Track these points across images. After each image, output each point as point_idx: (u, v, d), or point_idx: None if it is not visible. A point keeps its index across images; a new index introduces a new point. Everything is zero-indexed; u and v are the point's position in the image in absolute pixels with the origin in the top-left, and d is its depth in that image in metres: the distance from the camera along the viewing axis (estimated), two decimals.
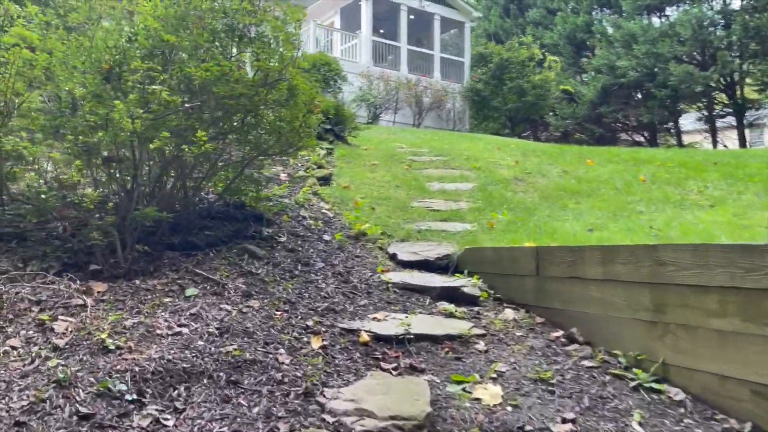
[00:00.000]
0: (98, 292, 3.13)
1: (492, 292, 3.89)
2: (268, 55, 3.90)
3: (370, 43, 18.23)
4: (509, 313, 3.58)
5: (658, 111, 21.42)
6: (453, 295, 3.77)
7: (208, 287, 3.33)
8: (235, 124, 3.90)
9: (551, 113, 23.09)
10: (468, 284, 3.85)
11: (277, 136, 4.05)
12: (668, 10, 22.68)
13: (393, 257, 4.44)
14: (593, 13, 23.95)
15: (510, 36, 24.37)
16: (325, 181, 6.06)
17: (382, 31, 20.38)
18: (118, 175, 3.81)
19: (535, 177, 7.10)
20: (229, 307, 3.10)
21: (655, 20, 22.69)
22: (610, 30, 22.61)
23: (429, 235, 4.81)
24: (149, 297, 3.12)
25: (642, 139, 24.79)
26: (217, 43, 3.99)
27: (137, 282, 3.29)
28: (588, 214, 5.30)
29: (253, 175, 4.59)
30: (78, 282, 3.20)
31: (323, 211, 5.22)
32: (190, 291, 3.23)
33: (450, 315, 3.49)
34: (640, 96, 22.89)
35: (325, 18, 20.09)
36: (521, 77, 19.64)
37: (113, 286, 3.21)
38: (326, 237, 4.55)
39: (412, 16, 19.77)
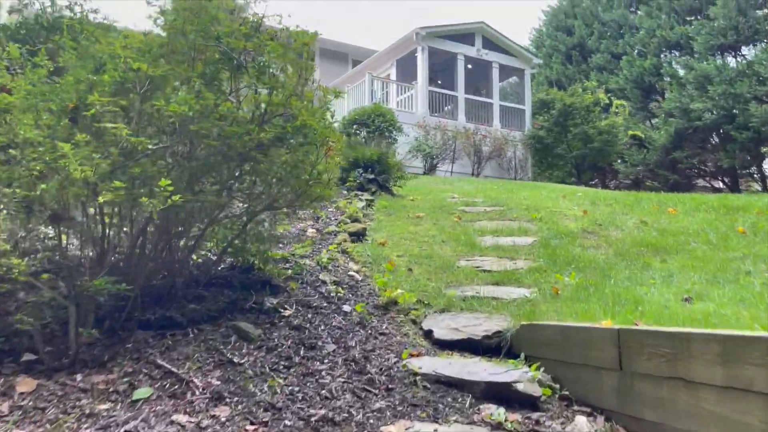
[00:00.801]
0: (20, 393, 2.33)
1: (557, 386, 2.84)
2: (269, 86, 3.14)
3: (426, 93, 17.64)
4: (582, 424, 2.52)
5: (739, 155, 19.62)
6: (503, 393, 2.75)
7: (168, 386, 2.46)
8: (225, 171, 3.12)
9: (620, 160, 21.62)
10: (524, 377, 2.82)
11: (279, 186, 3.24)
12: (744, 50, 21.10)
13: (428, 334, 3.47)
14: (661, 55, 22.59)
15: (573, 82, 23.26)
16: (358, 236, 5.20)
17: (439, 81, 19.82)
18: (81, 237, 3.09)
19: (608, 229, 5.98)
20: (184, 419, 2.22)
21: (730, 60, 21.12)
22: (681, 72, 21.16)
23: (476, 305, 3.81)
24: (82, 402, 2.28)
25: (722, 185, 22.81)
26: (209, 74, 3.28)
27: (78, 378, 2.48)
28: (680, 277, 4.16)
29: (260, 233, 3.79)
30: (3, 378, 2.42)
31: (350, 273, 4.33)
32: (141, 392, 2.37)
33: (498, 426, 2.47)
34: (717, 140, 21.14)
35: (382, 70, 19.75)
36: (586, 123, 18.46)
37: (44, 385, 2.40)
38: (346, 308, 3.64)
39: (469, 66, 19.14)
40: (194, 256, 4.01)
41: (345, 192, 7.26)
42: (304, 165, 3.25)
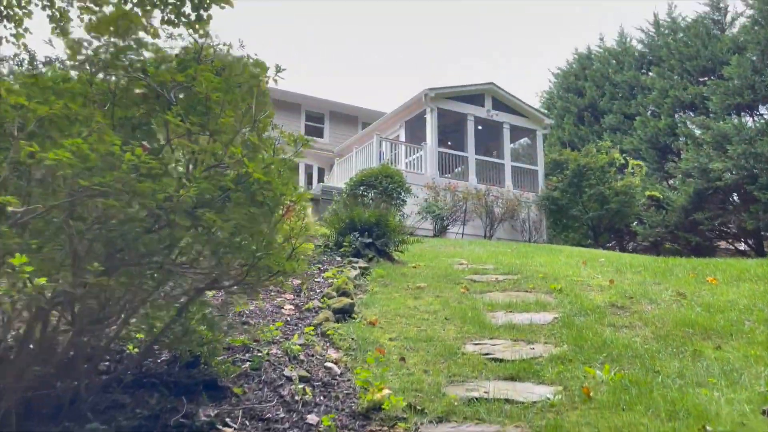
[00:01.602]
0: None
1: None
2: (205, 130, 2.38)
3: (436, 154, 17.04)
4: None
5: (763, 216, 18.57)
6: None
7: None
8: (142, 241, 2.31)
9: (637, 221, 20.66)
10: None
11: (217, 259, 2.43)
12: (762, 108, 20.46)
13: None
14: (676, 115, 21.99)
15: (585, 143, 22.64)
16: (344, 314, 4.33)
17: (449, 143, 19.29)
18: None
19: (641, 303, 5.04)
20: None
21: (747, 119, 20.42)
22: (697, 132, 20.47)
23: (483, 411, 2.89)
24: None
25: (745, 247, 21.61)
26: (138, 116, 2.54)
27: None
28: (746, 372, 3.21)
29: (206, 317, 2.94)
30: None
31: (327, 364, 3.44)
32: None
33: None
34: (738, 200, 20.17)
35: (391, 132, 19.32)
36: (602, 183, 17.65)
37: None
38: (311, 418, 2.73)
39: (479, 127, 18.63)
40: (130, 346, 3.18)
41: (339, 258, 6.42)
42: (249, 232, 2.44)
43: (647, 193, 19.82)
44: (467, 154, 17.79)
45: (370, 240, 6.64)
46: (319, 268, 5.79)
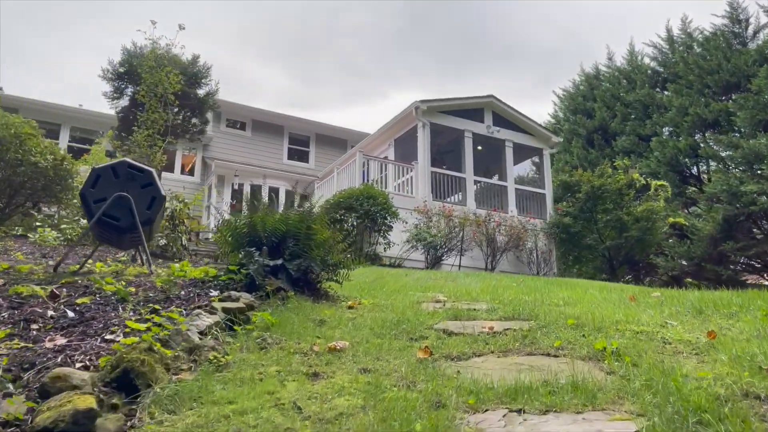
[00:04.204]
0: None
1: None
2: None
3: (428, 174, 14.30)
4: None
5: None
6: None
7: None
8: None
9: (659, 253, 17.67)
10: None
11: None
12: None
13: None
14: (696, 135, 19.24)
15: (596, 168, 19.91)
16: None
17: (445, 166, 16.60)
18: None
19: None
20: None
21: None
22: (723, 152, 17.68)
23: None
24: None
25: None
26: None
27: None
28: None
29: None
30: None
31: None
32: None
33: None
34: None
35: (379, 152, 16.67)
36: (619, 208, 14.81)
37: None
38: None
39: (479, 146, 15.96)
40: None
41: (215, 293, 3.59)
42: None
43: (670, 220, 16.90)
44: (465, 175, 15.05)
45: (278, 261, 3.77)
46: (154, 308, 2.98)
